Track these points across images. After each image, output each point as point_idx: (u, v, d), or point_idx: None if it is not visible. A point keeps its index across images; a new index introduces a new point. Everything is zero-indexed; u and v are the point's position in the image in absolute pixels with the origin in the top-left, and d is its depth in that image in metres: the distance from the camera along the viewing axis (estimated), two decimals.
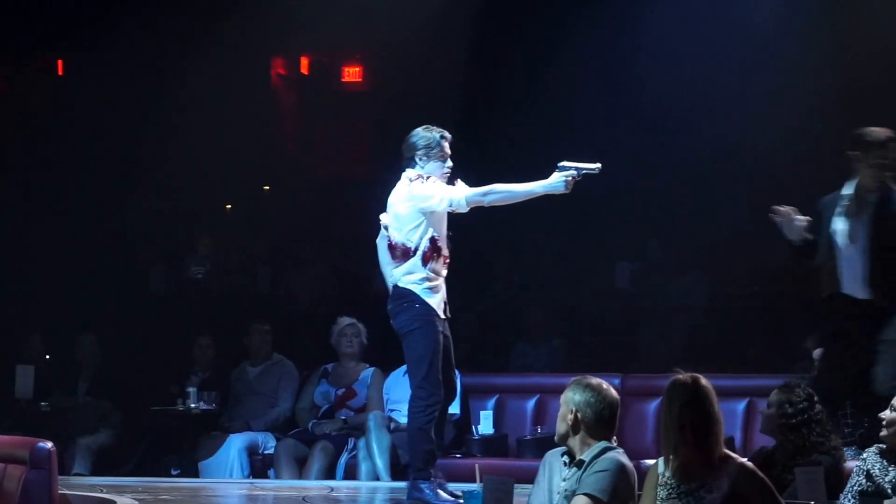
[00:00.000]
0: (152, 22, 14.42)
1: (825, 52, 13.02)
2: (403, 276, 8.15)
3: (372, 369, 11.03)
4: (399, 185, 8.25)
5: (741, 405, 10.29)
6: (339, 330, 11.18)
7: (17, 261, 13.35)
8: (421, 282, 8.13)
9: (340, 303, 12.76)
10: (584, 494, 6.03)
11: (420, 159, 8.18)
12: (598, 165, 8.04)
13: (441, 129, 8.23)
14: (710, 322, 12.99)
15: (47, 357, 12.22)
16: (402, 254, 8.17)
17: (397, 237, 8.19)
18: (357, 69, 17.13)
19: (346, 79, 17.19)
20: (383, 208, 8.38)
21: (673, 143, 13.57)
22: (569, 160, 8.01)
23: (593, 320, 13.29)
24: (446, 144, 8.20)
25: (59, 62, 16.14)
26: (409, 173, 8.20)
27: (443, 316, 8.21)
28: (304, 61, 17.23)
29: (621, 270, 13.67)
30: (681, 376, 5.88)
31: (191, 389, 11.22)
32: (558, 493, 6.18)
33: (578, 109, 13.45)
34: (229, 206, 16.15)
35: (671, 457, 5.85)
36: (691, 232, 13.47)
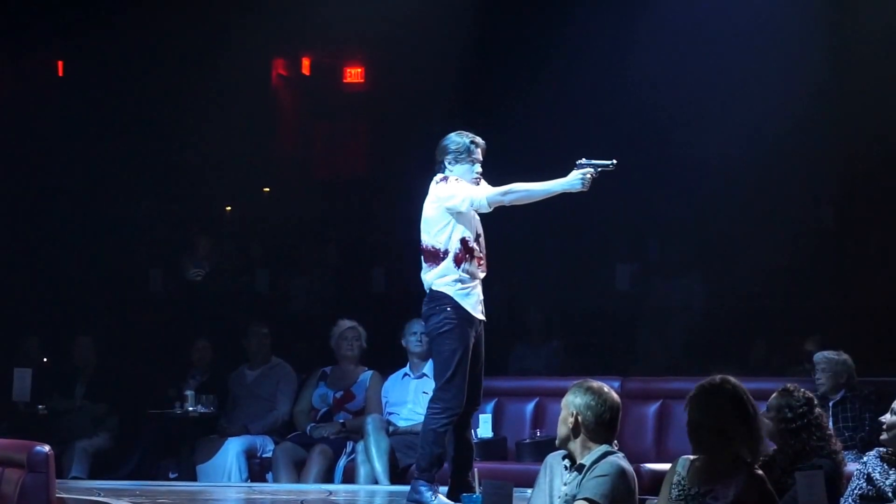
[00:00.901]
0: (152, 23, 14.40)
1: (824, 54, 13.00)
2: (437, 279, 8.10)
3: (370, 372, 11.00)
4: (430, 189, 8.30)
5: None
6: (340, 333, 11.15)
7: (15, 262, 13.32)
8: (454, 283, 8.07)
9: (339, 305, 12.71)
10: (584, 499, 6.03)
11: (448, 163, 8.21)
12: (614, 161, 8.06)
13: (473, 135, 8.26)
14: (709, 324, 12.95)
15: (44, 360, 12.20)
16: (431, 256, 8.13)
17: (427, 239, 8.18)
18: (359, 70, 17.07)
19: (347, 79, 17.14)
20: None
21: (673, 143, 13.55)
22: (586, 158, 8.03)
23: (592, 322, 13.25)
24: (477, 150, 8.23)
25: (59, 63, 16.10)
26: (437, 177, 8.25)
27: (479, 317, 8.16)
28: (306, 62, 17.17)
29: (621, 272, 13.63)
30: (718, 379, 5.82)
31: (189, 392, 11.21)
32: (559, 497, 6.17)
33: (578, 110, 13.41)
34: (228, 208, 16.10)
35: (694, 458, 5.81)
36: (691, 233, 13.45)
